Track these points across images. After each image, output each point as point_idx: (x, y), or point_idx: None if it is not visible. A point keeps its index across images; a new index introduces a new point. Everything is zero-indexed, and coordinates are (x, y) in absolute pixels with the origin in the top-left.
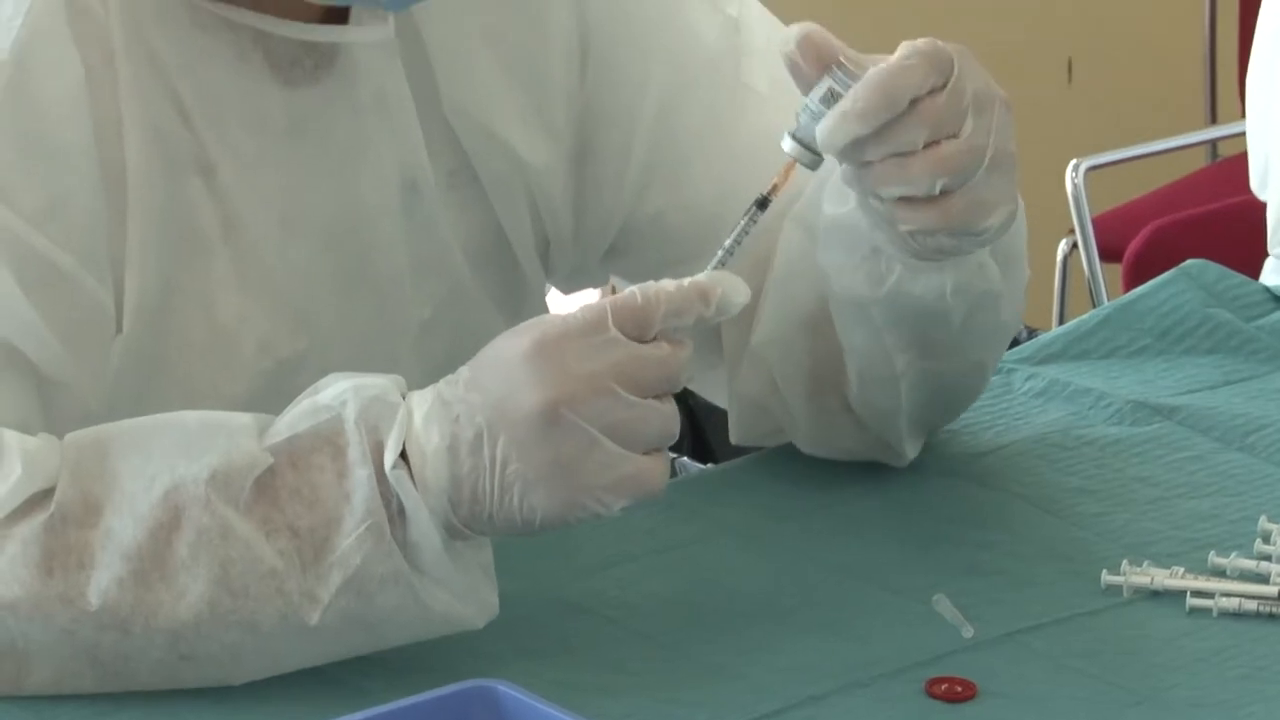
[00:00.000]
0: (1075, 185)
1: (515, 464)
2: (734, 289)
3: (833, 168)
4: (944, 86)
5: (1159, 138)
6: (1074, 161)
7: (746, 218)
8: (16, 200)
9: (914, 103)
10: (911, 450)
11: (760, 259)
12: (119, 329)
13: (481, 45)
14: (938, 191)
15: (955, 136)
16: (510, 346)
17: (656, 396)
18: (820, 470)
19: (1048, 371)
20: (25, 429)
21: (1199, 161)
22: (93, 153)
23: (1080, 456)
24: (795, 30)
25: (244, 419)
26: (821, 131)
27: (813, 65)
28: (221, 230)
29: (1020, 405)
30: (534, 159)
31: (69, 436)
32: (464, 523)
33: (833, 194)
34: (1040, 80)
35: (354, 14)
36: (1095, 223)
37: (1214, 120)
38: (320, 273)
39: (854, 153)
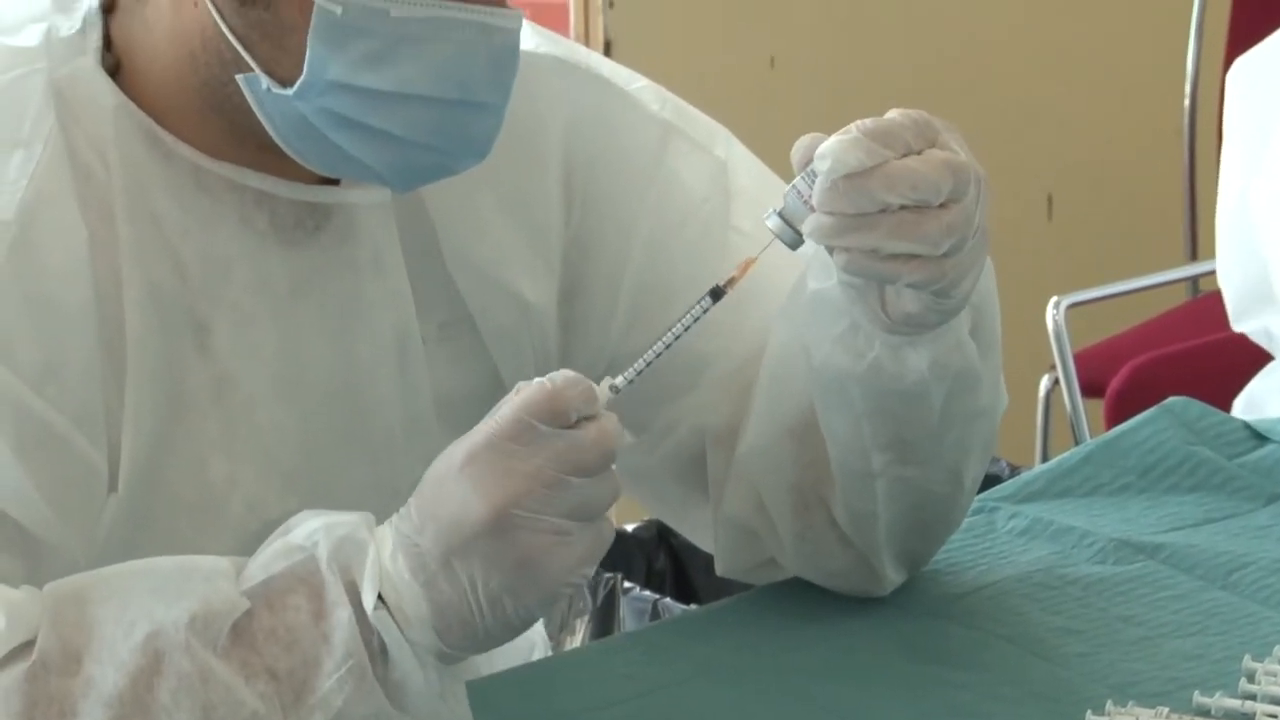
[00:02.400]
0: (1056, 322)
1: (494, 577)
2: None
3: (815, 249)
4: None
5: (1139, 274)
6: (1055, 299)
7: (697, 307)
8: (16, 360)
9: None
10: (894, 574)
11: (750, 361)
12: (113, 488)
13: (480, 189)
14: (941, 252)
15: (956, 202)
16: (445, 467)
17: (597, 473)
18: (803, 609)
19: (1030, 510)
20: (9, 584)
21: (1180, 297)
22: (93, 315)
23: (1064, 596)
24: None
25: (220, 563)
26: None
27: (802, 153)
28: (214, 391)
29: (1003, 544)
30: (536, 298)
31: (49, 586)
32: (456, 647)
33: (816, 269)
34: (1021, 216)
35: None
36: (1077, 359)
37: (1194, 256)
38: (312, 433)
39: (853, 196)
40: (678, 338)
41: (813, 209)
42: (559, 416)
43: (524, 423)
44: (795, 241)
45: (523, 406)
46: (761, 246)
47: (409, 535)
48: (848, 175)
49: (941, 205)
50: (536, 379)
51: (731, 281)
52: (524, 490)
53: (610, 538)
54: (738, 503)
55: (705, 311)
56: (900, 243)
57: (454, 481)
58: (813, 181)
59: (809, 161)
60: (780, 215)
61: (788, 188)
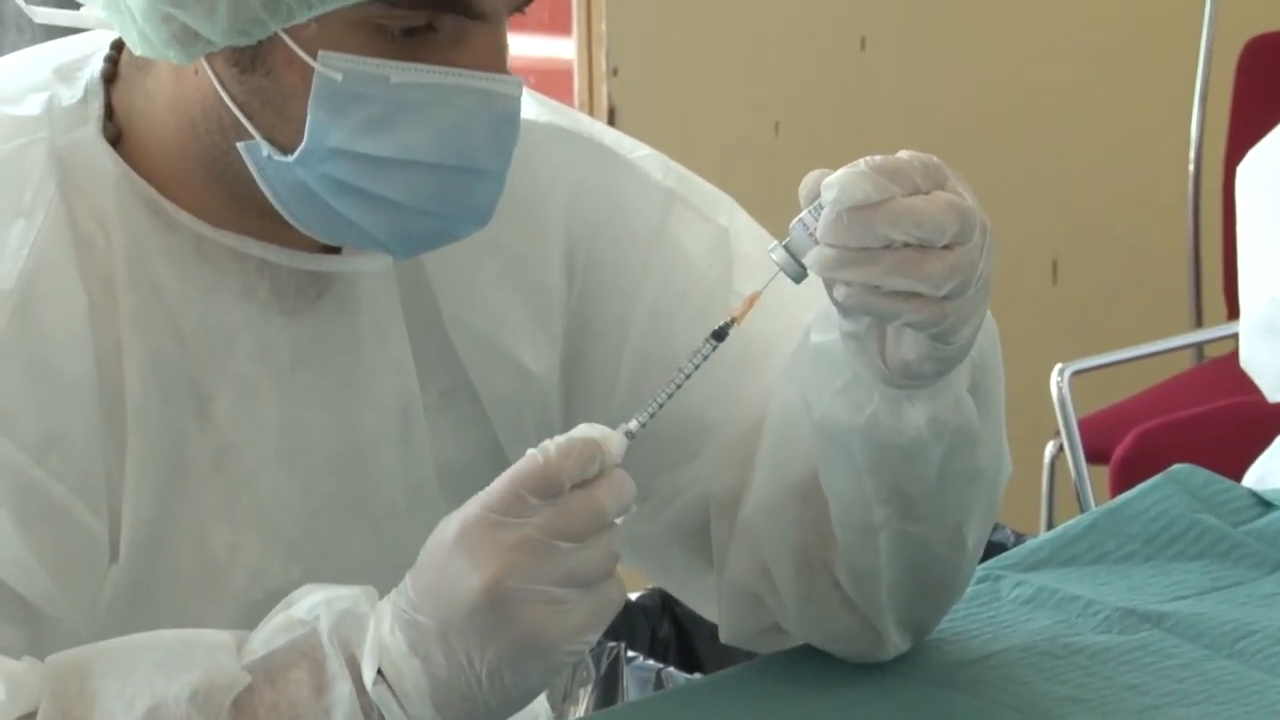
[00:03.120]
0: (1061, 389)
1: (490, 651)
2: (610, 442)
3: (824, 298)
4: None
5: (1144, 340)
6: (1059, 365)
7: (703, 351)
8: (17, 431)
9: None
10: (898, 638)
11: (753, 428)
12: (114, 558)
13: (482, 257)
14: (943, 294)
15: (961, 245)
16: (438, 542)
17: (591, 538)
18: (808, 678)
19: (1035, 578)
20: (11, 655)
21: (1184, 364)
22: (94, 384)
23: (1069, 665)
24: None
25: (221, 636)
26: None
27: (809, 187)
28: (215, 460)
29: (1008, 613)
30: (537, 367)
31: (51, 658)
32: None
33: (819, 322)
34: (1026, 282)
35: None
36: (1081, 425)
37: (1199, 323)
38: (315, 502)
39: (857, 230)
40: (688, 376)
41: (817, 242)
42: (550, 487)
43: (514, 494)
44: (799, 275)
45: (513, 478)
46: (765, 313)
47: (406, 610)
48: (853, 208)
49: (946, 247)
50: (530, 450)
51: (734, 321)
52: (513, 561)
53: (619, 602)
54: (741, 567)
55: (715, 349)
56: (902, 280)
57: (447, 556)
58: (819, 215)
59: (816, 196)
60: (785, 248)
61: (794, 221)
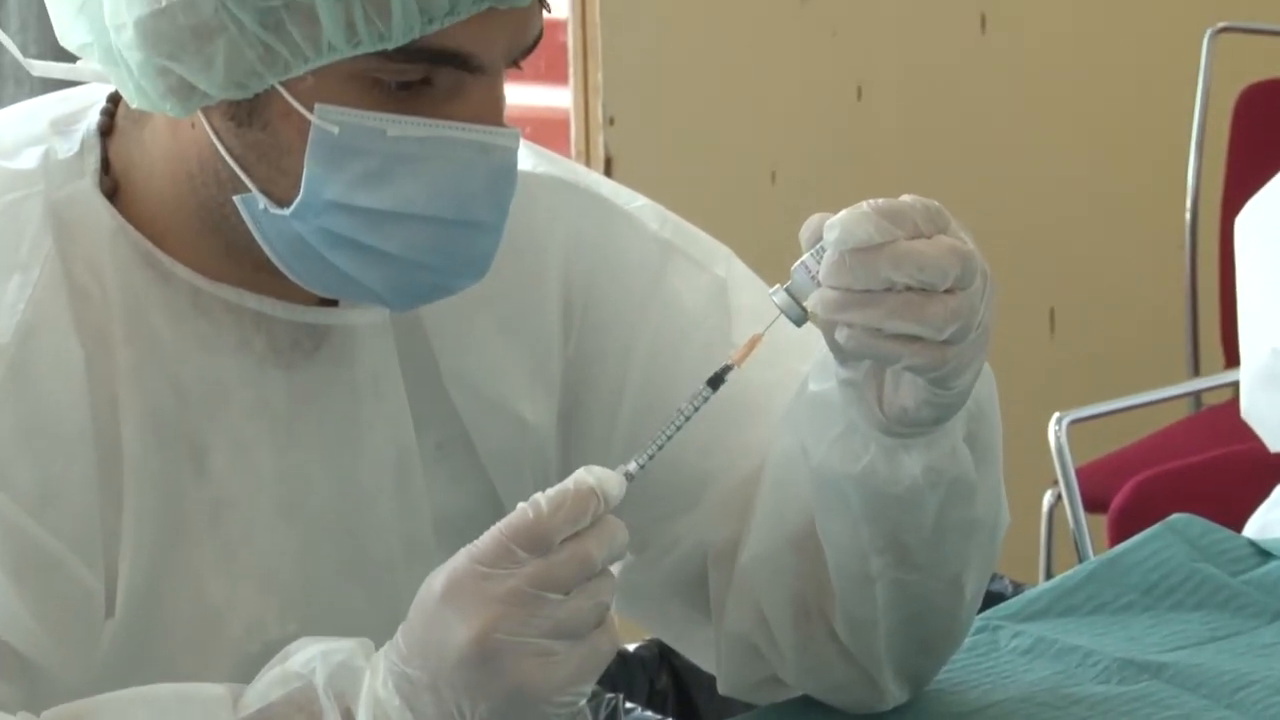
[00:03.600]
0: (1059, 438)
1: (480, 704)
2: (609, 483)
3: (821, 347)
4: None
5: (1142, 389)
6: (1057, 414)
7: (698, 397)
8: (13, 485)
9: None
10: (896, 689)
11: (750, 478)
12: (110, 612)
13: (479, 309)
14: (943, 338)
15: (962, 289)
16: (427, 594)
17: (580, 587)
18: None
19: (1034, 629)
20: (7, 710)
21: (1182, 412)
22: (90, 438)
23: (1069, 716)
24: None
25: (218, 690)
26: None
27: (811, 230)
28: (212, 513)
29: (1007, 663)
30: (535, 418)
31: (47, 713)
32: None
33: (817, 373)
34: (1023, 332)
35: None
36: (1079, 474)
37: (1196, 372)
38: (312, 556)
39: (860, 272)
40: (688, 418)
41: (819, 284)
42: (540, 542)
43: (503, 547)
44: (800, 318)
45: (502, 531)
46: (762, 365)
47: (397, 663)
48: (855, 250)
49: (947, 291)
50: (521, 503)
51: (730, 368)
52: (500, 613)
53: (610, 653)
54: (739, 617)
55: (704, 401)
56: (903, 323)
57: (435, 608)
58: (820, 259)
59: (818, 239)
60: (787, 291)
61: (796, 264)
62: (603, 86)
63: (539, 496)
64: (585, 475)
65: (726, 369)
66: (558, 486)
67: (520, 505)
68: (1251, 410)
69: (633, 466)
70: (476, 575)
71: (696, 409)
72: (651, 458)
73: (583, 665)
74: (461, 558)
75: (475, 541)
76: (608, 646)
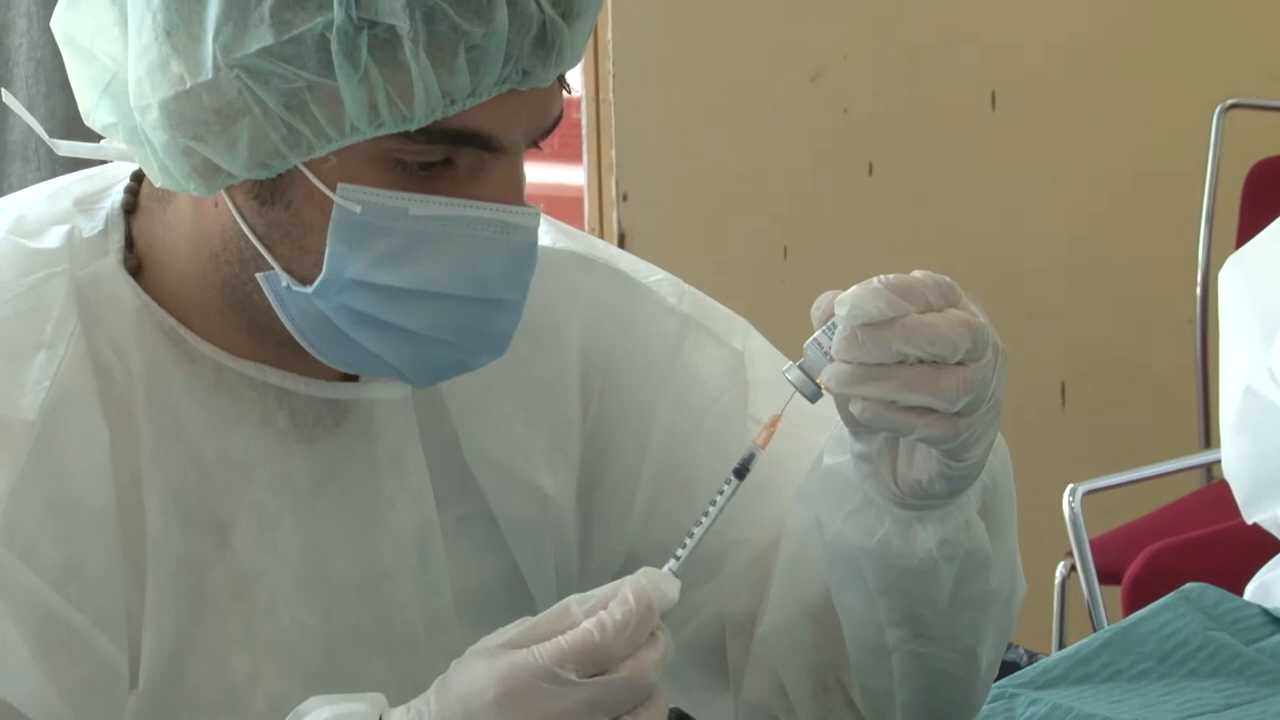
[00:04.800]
0: (1073, 509)
1: None
2: (666, 587)
3: (836, 420)
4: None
5: (1153, 461)
6: (1071, 486)
7: (729, 486)
8: (38, 561)
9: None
10: None
11: (768, 549)
12: (134, 685)
13: (499, 384)
14: (956, 409)
15: (974, 361)
16: (476, 691)
17: (632, 710)
18: None
19: (1050, 696)
20: None
21: (1195, 484)
22: (114, 515)
23: None
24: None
25: None
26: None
27: (823, 308)
28: (235, 589)
29: None
30: (555, 492)
31: None
32: None
33: (832, 446)
34: (1035, 405)
35: None
36: (1093, 546)
37: (1208, 444)
38: (334, 631)
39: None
40: (721, 510)
41: (832, 359)
42: (600, 665)
43: (560, 666)
44: (815, 395)
45: (563, 650)
46: (779, 436)
47: None
48: (866, 325)
49: (959, 363)
50: (585, 622)
51: (753, 458)
52: None
53: None
54: (758, 687)
55: (743, 481)
56: (916, 395)
57: (483, 710)
58: (832, 334)
59: (830, 315)
60: (801, 368)
61: (808, 341)
62: (616, 163)
63: (604, 615)
64: (644, 586)
65: (751, 456)
66: (619, 600)
67: (585, 625)
68: (1228, 461)
69: (674, 564)
70: (531, 690)
71: (728, 499)
72: (690, 551)
73: None
74: (521, 664)
75: (535, 647)
76: None
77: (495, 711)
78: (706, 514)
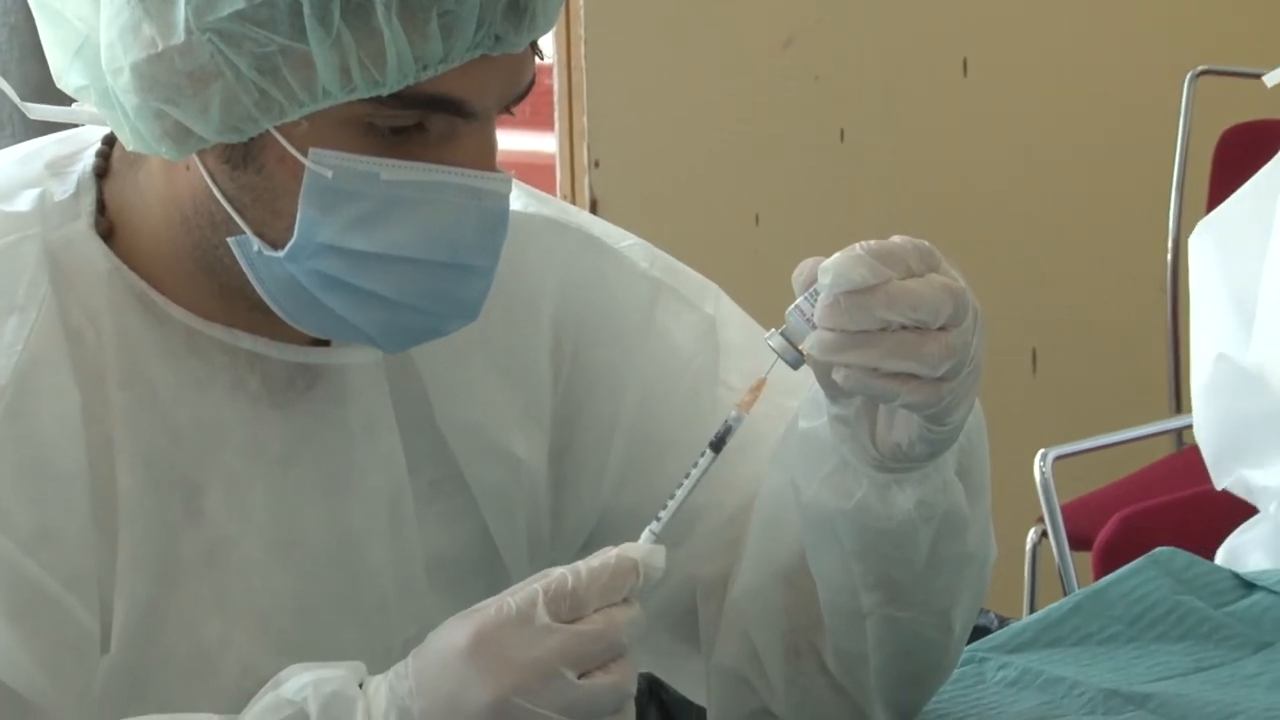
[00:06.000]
0: (1044, 474)
1: None
2: (652, 555)
3: (811, 384)
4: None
5: (1124, 427)
6: (1042, 451)
7: (703, 462)
8: (10, 525)
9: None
10: None
11: (740, 513)
12: (105, 649)
13: (471, 348)
14: (939, 375)
15: (955, 326)
16: (450, 643)
17: (603, 666)
18: None
19: (1020, 660)
20: None
21: (1165, 449)
22: (85, 479)
23: None
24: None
25: (210, 719)
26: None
27: (805, 274)
28: (206, 554)
29: (993, 695)
30: (528, 457)
31: None
32: None
33: (807, 409)
34: (1005, 372)
35: None
36: (1064, 511)
37: (1179, 409)
38: (306, 596)
39: (854, 312)
40: (705, 471)
41: (814, 327)
42: (572, 611)
43: (533, 613)
44: (797, 361)
45: (539, 597)
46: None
47: (404, 698)
48: (849, 291)
49: (941, 328)
50: (560, 568)
51: (730, 432)
52: (520, 681)
53: None
54: (729, 650)
55: (726, 444)
56: (900, 361)
57: (457, 661)
58: (814, 301)
59: (812, 282)
60: (783, 335)
61: (790, 308)
62: (588, 130)
63: (580, 563)
64: (629, 550)
65: (738, 419)
66: (599, 554)
67: (560, 570)
68: (1199, 427)
69: (655, 526)
70: (504, 636)
71: (712, 461)
72: (673, 514)
73: None
74: (491, 613)
75: (507, 599)
76: None
77: (467, 660)
78: (688, 476)
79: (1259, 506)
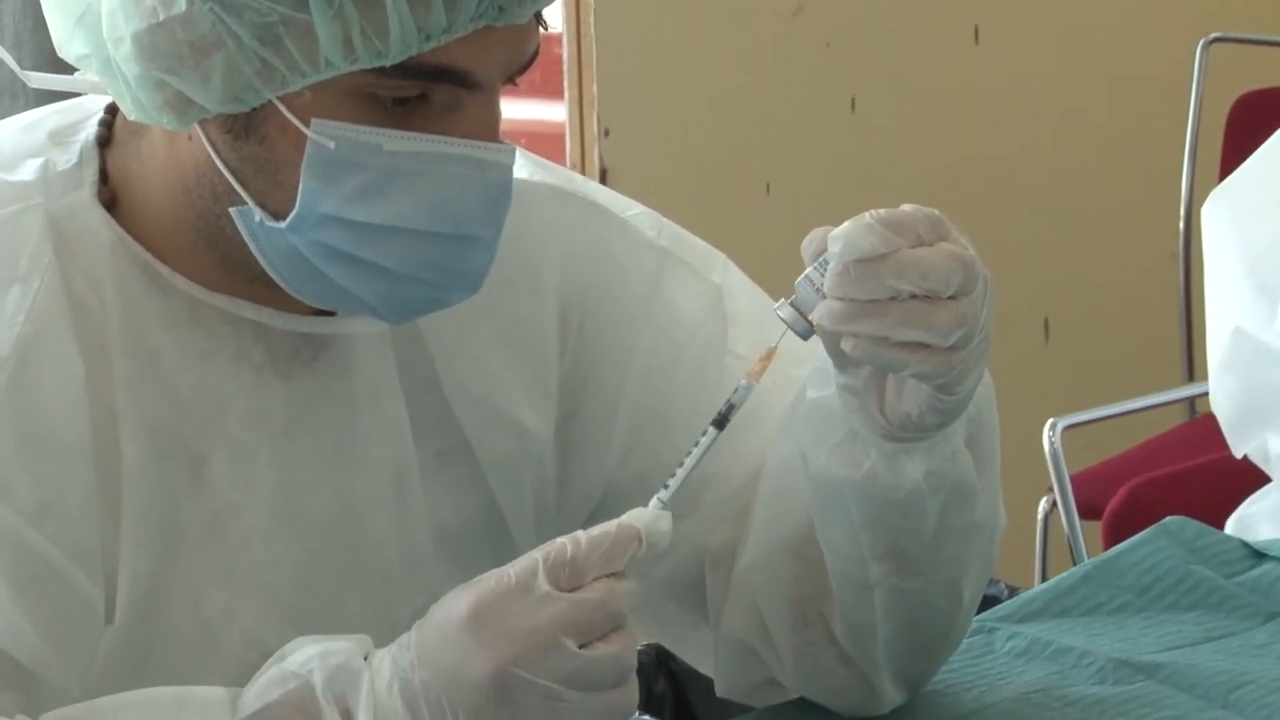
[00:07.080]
0: (1053, 444)
1: None
2: (658, 522)
3: (819, 354)
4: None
5: (1136, 395)
6: (1051, 420)
7: (705, 438)
8: (13, 496)
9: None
10: (894, 692)
11: (748, 483)
12: (109, 620)
13: (477, 318)
14: (949, 344)
15: (965, 295)
16: (450, 614)
17: (604, 637)
18: None
19: (1029, 630)
20: (5, 715)
21: (1177, 418)
22: (89, 449)
23: (1064, 716)
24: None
25: (216, 692)
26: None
27: (815, 244)
28: (210, 524)
29: (1002, 665)
30: (534, 426)
31: (44, 717)
32: None
33: (815, 379)
34: (1018, 340)
35: None
36: (1074, 481)
37: (1190, 378)
38: (310, 567)
39: (864, 281)
40: (714, 441)
41: (824, 297)
42: (574, 580)
43: (533, 581)
44: (807, 331)
45: (539, 565)
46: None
47: (406, 670)
48: (859, 260)
49: (951, 297)
50: (560, 538)
51: (732, 409)
52: (520, 650)
53: (627, 710)
54: (737, 621)
55: (712, 442)
56: (910, 330)
57: (457, 631)
58: (824, 271)
59: (821, 252)
60: (793, 305)
61: (799, 278)
62: (597, 99)
63: (580, 532)
64: (632, 519)
65: (747, 388)
66: (601, 526)
67: (560, 539)
68: (1215, 397)
69: (663, 494)
70: (503, 606)
71: (719, 433)
72: (681, 482)
73: (593, 718)
74: (491, 583)
75: (507, 569)
76: (623, 707)
77: (467, 631)
78: (696, 444)
79: (1275, 476)
